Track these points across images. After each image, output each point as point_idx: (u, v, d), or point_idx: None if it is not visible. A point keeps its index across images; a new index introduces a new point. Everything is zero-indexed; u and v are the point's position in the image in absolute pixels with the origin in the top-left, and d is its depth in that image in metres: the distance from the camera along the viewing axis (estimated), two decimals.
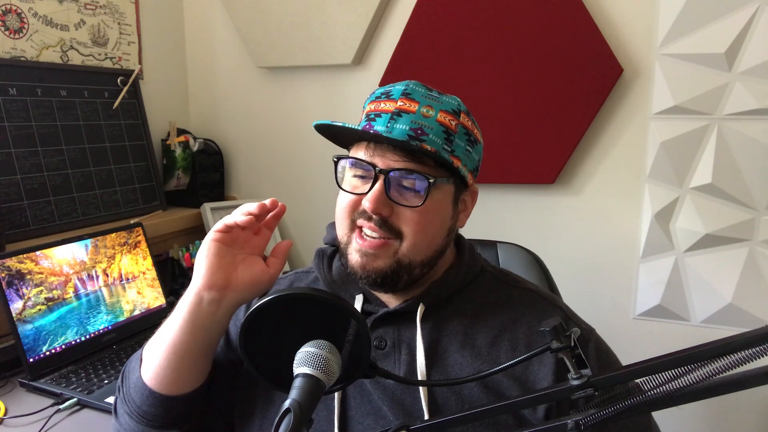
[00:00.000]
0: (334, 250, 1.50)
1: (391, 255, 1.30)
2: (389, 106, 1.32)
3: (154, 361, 1.33)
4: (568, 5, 2.51)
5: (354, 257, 1.33)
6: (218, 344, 1.48)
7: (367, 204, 1.27)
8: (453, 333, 1.36)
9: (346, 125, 1.29)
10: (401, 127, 1.28)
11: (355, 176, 1.34)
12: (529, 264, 1.98)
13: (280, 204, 1.34)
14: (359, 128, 1.29)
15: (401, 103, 1.31)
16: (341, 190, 1.36)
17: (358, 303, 1.43)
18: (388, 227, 1.29)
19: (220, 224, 1.28)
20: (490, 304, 1.41)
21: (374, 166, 1.28)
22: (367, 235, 1.31)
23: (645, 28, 2.49)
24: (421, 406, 1.28)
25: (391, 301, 1.42)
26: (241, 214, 1.28)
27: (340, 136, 1.39)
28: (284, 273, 1.65)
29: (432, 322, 1.37)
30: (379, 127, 1.30)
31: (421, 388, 1.29)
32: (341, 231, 1.37)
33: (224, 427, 1.49)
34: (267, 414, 1.40)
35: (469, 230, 1.53)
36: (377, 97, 1.37)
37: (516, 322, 1.36)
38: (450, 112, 1.33)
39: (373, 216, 1.28)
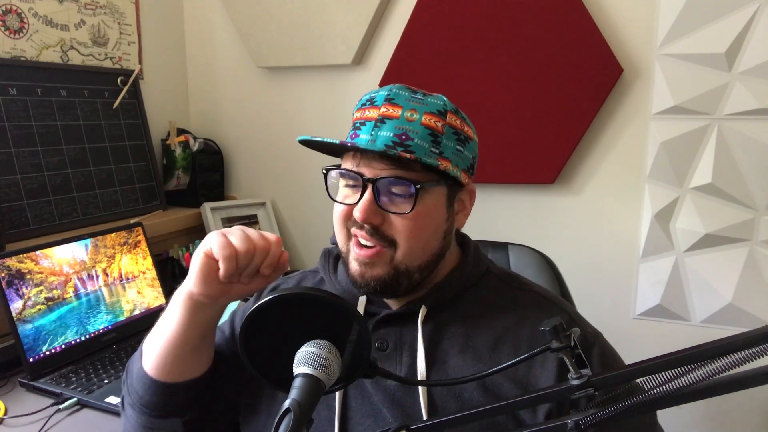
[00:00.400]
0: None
1: (387, 262, 1.31)
2: (373, 113, 1.32)
3: (153, 351, 1.35)
4: (568, 5, 2.51)
5: (353, 266, 1.34)
6: (220, 335, 1.52)
7: (357, 214, 1.27)
8: (455, 335, 1.35)
9: (325, 140, 1.29)
10: (385, 134, 1.28)
11: (346, 186, 1.34)
12: (540, 266, 1.96)
13: (282, 254, 1.28)
14: (337, 142, 1.28)
15: (384, 110, 1.31)
16: (334, 201, 1.36)
17: (362, 304, 1.42)
18: (380, 235, 1.29)
19: (216, 246, 1.21)
20: (494, 306, 1.40)
21: (361, 175, 1.28)
22: (363, 245, 1.31)
23: (645, 28, 2.49)
24: (420, 408, 1.28)
25: (395, 303, 1.42)
26: (244, 251, 1.21)
27: (328, 147, 1.38)
28: (292, 272, 1.65)
29: (434, 324, 1.37)
30: (363, 135, 1.30)
31: (420, 390, 1.29)
32: (340, 240, 1.38)
33: (230, 418, 1.50)
34: (271, 411, 1.41)
35: (469, 230, 1.52)
36: (363, 105, 1.37)
37: (519, 324, 1.35)
38: (435, 114, 1.32)
39: (365, 225, 1.28)
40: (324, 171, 1.36)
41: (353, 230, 1.32)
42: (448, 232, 1.40)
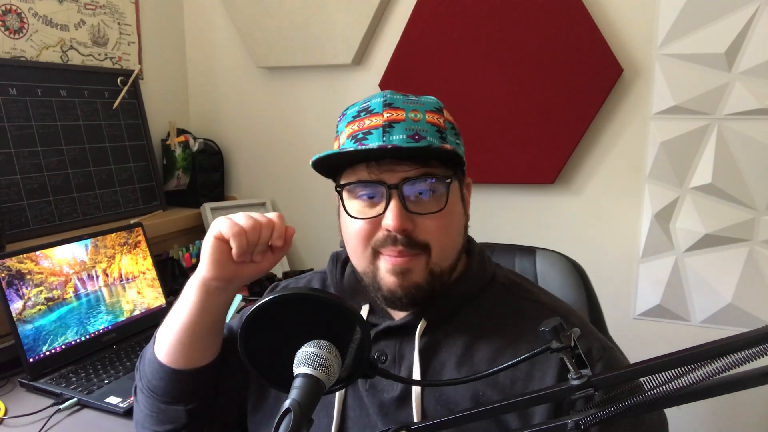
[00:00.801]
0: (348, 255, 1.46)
1: (423, 267, 1.28)
2: (376, 120, 1.28)
3: (165, 337, 1.38)
4: (569, 5, 2.52)
5: (389, 279, 1.29)
6: (230, 330, 1.53)
7: (390, 223, 1.22)
8: (452, 349, 1.33)
9: (361, 148, 1.24)
10: (398, 137, 1.24)
11: (361, 201, 1.30)
12: (568, 272, 1.89)
13: (288, 228, 1.32)
14: (375, 146, 1.23)
15: (388, 115, 1.27)
16: (351, 220, 1.30)
17: (363, 313, 1.40)
18: (413, 244, 1.25)
19: (225, 228, 1.25)
20: (496, 319, 1.36)
21: (383, 183, 1.24)
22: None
23: (645, 28, 2.50)
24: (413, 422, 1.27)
25: (399, 314, 1.39)
26: (250, 226, 1.26)
27: (333, 164, 1.34)
28: (302, 273, 1.65)
29: (433, 338, 1.34)
30: (374, 144, 1.25)
31: (414, 405, 1.28)
32: (363, 263, 1.33)
33: (236, 412, 1.50)
34: (275, 409, 1.40)
35: (469, 231, 1.51)
36: (355, 117, 1.33)
37: (520, 338, 1.31)
38: (434, 111, 1.31)
39: (398, 237, 1.24)
40: (338, 189, 1.33)
41: (384, 250, 1.28)
42: (466, 227, 1.40)
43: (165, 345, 1.37)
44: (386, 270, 1.29)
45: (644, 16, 2.49)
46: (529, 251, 1.94)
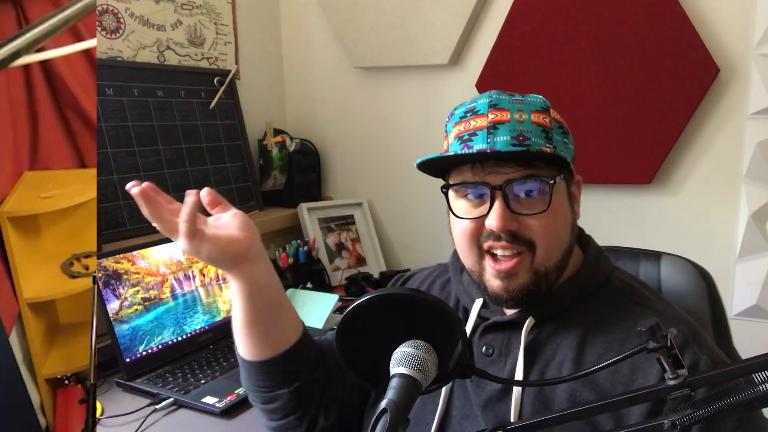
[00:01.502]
0: None
1: (527, 268, 1.28)
2: (481, 122, 1.29)
3: (241, 338, 1.47)
4: (665, 5, 2.51)
5: (494, 283, 1.30)
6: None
7: (493, 224, 1.23)
8: (557, 349, 1.32)
9: (462, 152, 1.26)
10: (502, 139, 1.25)
11: (467, 201, 1.31)
12: (693, 280, 1.79)
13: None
14: (475, 151, 1.24)
15: (493, 116, 1.28)
16: (458, 219, 1.32)
17: (476, 307, 1.41)
18: (520, 240, 1.26)
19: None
20: (604, 321, 1.34)
21: (487, 184, 1.25)
22: (501, 257, 1.28)
23: (741, 28, 2.48)
24: (510, 417, 1.26)
25: (509, 309, 1.38)
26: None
27: (440, 165, 1.35)
28: (399, 273, 1.65)
29: (540, 335, 1.34)
30: (479, 145, 1.26)
31: (513, 399, 1.27)
32: (470, 261, 1.34)
33: (358, 399, 1.52)
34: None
35: None
36: (462, 117, 1.34)
37: (625, 343, 1.28)
38: (540, 111, 1.31)
39: (502, 234, 1.25)
40: (444, 190, 1.35)
41: (488, 244, 1.28)
42: (573, 225, 1.39)
43: (242, 344, 1.45)
44: (492, 274, 1.30)
45: (740, 15, 2.48)
46: (654, 256, 1.87)
